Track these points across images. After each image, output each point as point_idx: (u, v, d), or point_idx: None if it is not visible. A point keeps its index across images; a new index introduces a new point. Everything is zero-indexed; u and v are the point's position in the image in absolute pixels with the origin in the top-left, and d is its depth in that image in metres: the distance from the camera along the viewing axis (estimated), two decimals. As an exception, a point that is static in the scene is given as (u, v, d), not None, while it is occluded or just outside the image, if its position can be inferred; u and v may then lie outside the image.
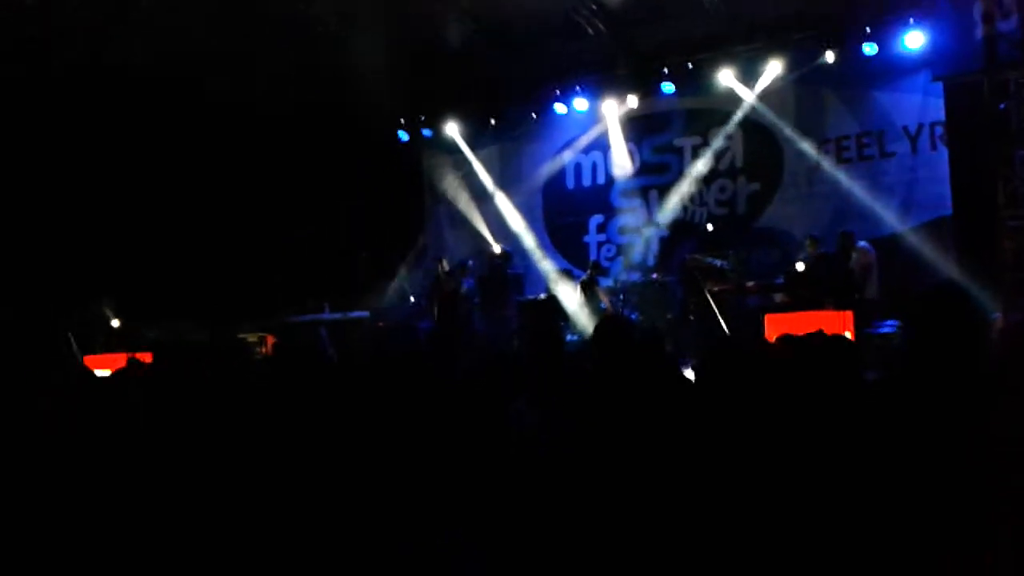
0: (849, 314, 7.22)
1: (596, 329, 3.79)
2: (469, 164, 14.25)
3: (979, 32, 9.55)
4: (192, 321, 11.04)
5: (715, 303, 9.06)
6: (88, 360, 8.00)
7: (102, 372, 4.60)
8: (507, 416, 3.42)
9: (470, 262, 12.76)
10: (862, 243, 10.19)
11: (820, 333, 2.98)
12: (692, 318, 10.08)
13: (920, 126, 11.10)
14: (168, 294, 11.05)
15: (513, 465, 3.02)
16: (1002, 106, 9.19)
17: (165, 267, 11.37)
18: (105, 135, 11.00)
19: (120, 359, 7.49)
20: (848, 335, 6.87)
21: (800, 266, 9.55)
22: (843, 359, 2.91)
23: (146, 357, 4.64)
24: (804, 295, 8.32)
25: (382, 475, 3.06)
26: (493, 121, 13.80)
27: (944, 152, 10.69)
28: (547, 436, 3.29)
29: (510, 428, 3.35)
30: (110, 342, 9.94)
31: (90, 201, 10.90)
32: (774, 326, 7.27)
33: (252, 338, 11.61)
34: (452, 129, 14.08)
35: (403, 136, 14.45)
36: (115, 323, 10.63)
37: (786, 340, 3.18)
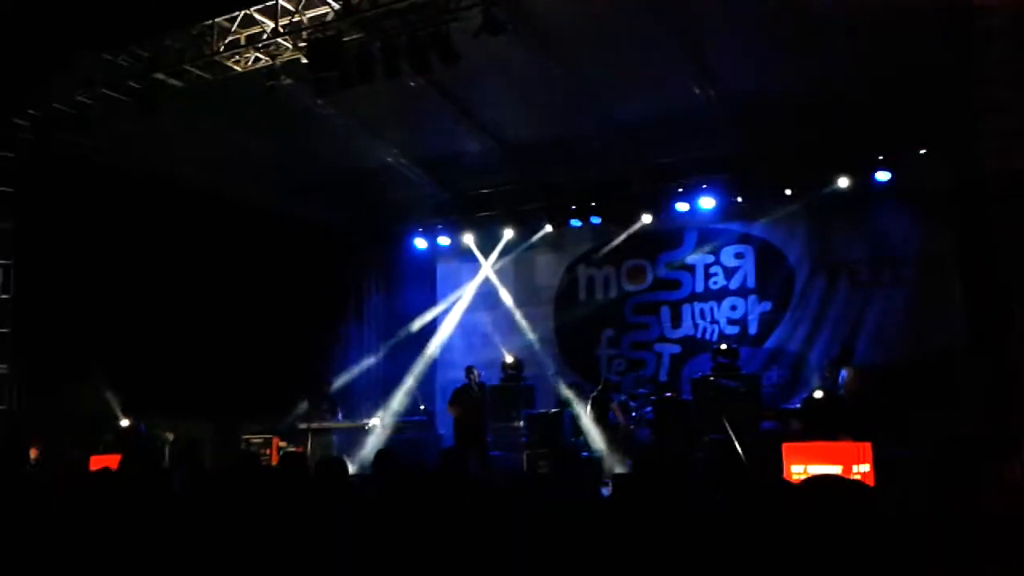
0: (868, 445, 7.11)
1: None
2: (483, 273, 14.36)
3: (992, 165, 9.74)
4: (198, 419, 11.00)
5: (730, 426, 8.95)
6: (95, 460, 7.92)
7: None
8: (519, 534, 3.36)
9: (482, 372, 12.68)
10: (857, 365, 10.18)
11: (848, 482, 2.94)
12: (706, 439, 9.94)
13: (933, 252, 11.17)
14: (177, 393, 11.00)
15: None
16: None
17: (175, 366, 11.33)
18: (120, 235, 11.15)
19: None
20: (867, 467, 6.76)
21: (819, 393, 9.49)
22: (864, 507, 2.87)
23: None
24: (821, 424, 8.22)
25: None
26: (509, 232, 13.95)
27: (956, 279, 10.75)
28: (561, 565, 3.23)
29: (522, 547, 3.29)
30: (118, 440, 9.85)
31: (102, 298, 10.96)
32: (792, 455, 7.16)
33: (257, 439, 11.52)
34: (468, 238, 14.24)
35: (420, 243, 14.60)
36: (124, 422, 10.55)
37: (813, 482, 3.14)
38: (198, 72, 9.68)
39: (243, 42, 9.35)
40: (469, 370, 12.09)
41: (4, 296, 10.35)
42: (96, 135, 10.79)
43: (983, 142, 10.11)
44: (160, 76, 9.63)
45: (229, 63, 9.54)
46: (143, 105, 9.74)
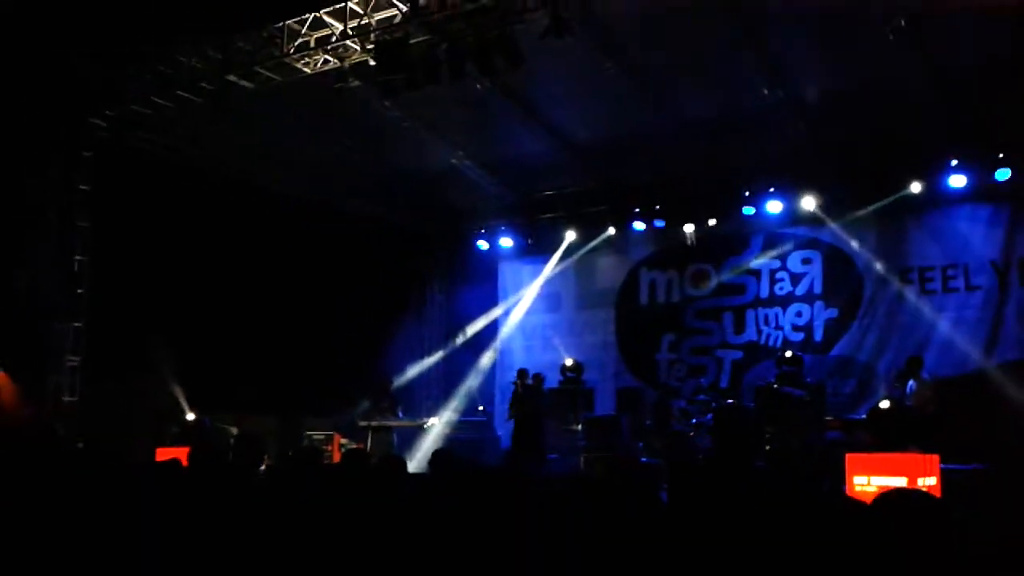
0: (935, 458, 6.91)
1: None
2: (545, 275, 14.36)
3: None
4: (263, 414, 11.20)
5: (794, 435, 8.81)
6: (161, 452, 8.12)
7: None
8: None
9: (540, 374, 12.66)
10: (927, 376, 9.90)
11: (918, 495, 2.85)
12: (768, 448, 9.78)
13: (1009, 261, 10.85)
14: (243, 388, 11.23)
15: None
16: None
17: (242, 362, 11.57)
18: (190, 233, 11.43)
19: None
20: (934, 480, 6.58)
21: (885, 404, 9.27)
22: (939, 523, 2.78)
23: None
24: (888, 435, 8.01)
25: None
26: (572, 234, 13.92)
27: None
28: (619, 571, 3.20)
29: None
30: (184, 434, 10.07)
31: (174, 294, 11.24)
32: (856, 466, 7.00)
33: (319, 435, 11.68)
34: (531, 240, 14.25)
35: (483, 244, 14.67)
36: (190, 416, 10.80)
37: (885, 500, 3.06)
38: (268, 74, 9.87)
39: (312, 44, 9.52)
40: (521, 373, 12.08)
41: (79, 291, 10.66)
42: (171, 135, 11.10)
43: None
44: (232, 78, 9.84)
45: (299, 65, 9.71)
46: (216, 106, 9.98)
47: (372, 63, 9.18)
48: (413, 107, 10.77)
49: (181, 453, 7.30)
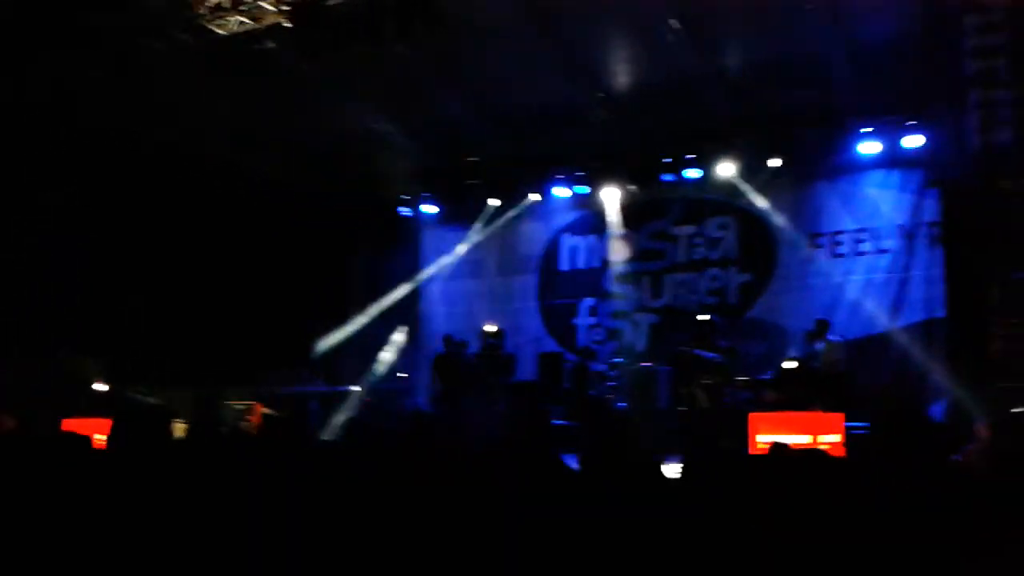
0: (840, 416, 7.15)
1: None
2: (468, 242, 14.36)
3: (975, 140, 9.75)
4: (180, 385, 11.00)
5: (705, 397, 9.03)
6: (68, 423, 7.92)
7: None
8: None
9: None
10: (835, 337, 10.26)
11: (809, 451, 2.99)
12: (680, 409, 10.03)
13: (916, 225, 11.22)
14: (159, 357, 11.00)
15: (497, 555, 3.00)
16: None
17: (158, 330, 11.34)
18: (99, 201, 11.09)
19: (100, 423, 7.42)
20: (837, 438, 6.82)
21: (791, 364, 9.56)
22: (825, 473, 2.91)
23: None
24: (794, 394, 8.27)
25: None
26: (494, 200, 13.93)
27: (939, 252, 10.82)
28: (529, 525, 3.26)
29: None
30: (92, 405, 9.83)
31: (85, 262, 10.92)
32: (759, 425, 7.18)
33: (239, 405, 11.52)
34: (453, 207, 14.23)
35: (405, 211, 14.58)
36: (99, 386, 10.54)
37: (776, 449, 3.19)
38: (181, 35, 9.56)
39: (227, 5, 9.25)
40: (446, 339, 12.08)
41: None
42: (80, 98, 10.69)
43: (970, 114, 10.12)
44: (142, 40, 9.52)
45: (212, 26, 9.44)
46: (126, 68, 9.65)
47: (288, 25, 8.99)
48: (332, 71, 10.60)
49: (88, 425, 7.16)
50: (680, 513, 3.06)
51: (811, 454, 3.17)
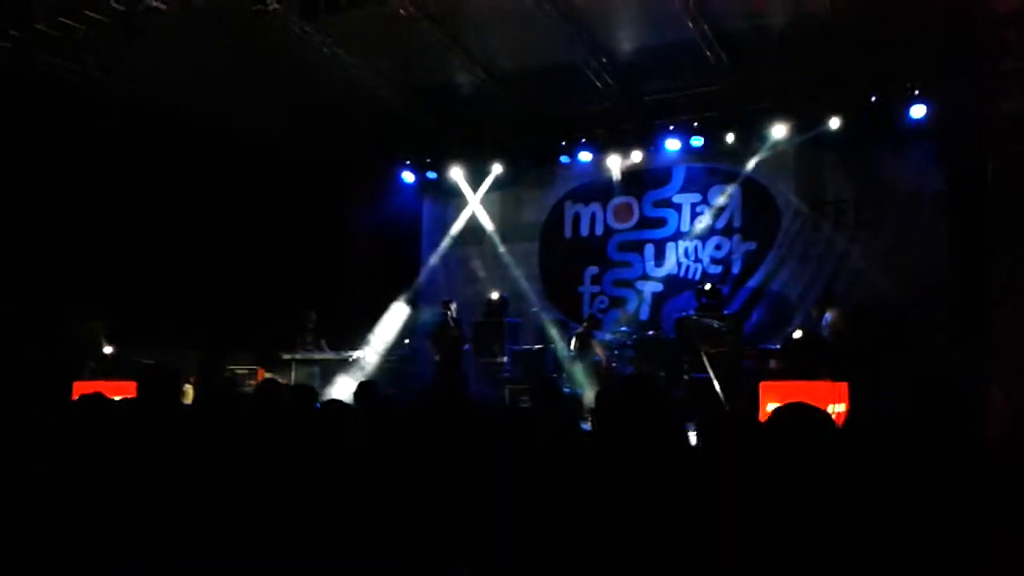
0: (844, 385, 7.18)
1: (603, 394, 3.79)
2: (470, 208, 14.31)
3: (984, 108, 9.67)
4: (185, 350, 11.00)
5: (711, 365, 9.06)
6: (78, 386, 7.94)
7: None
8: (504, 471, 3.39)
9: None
10: (840, 308, 10.26)
11: (799, 406, 3.00)
12: (687, 377, 10.06)
13: (921, 195, 11.16)
14: (163, 321, 10.98)
15: (509, 520, 3.01)
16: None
17: (162, 294, 11.31)
18: (103, 161, 11.01)
19: (111, 386, 7.44)
20: (843, 407, 6.85)
21: (798, 333, 9.57)
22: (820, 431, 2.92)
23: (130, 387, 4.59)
24: (800, 364, 8.30)
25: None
26: (498, 167, 13.87)
27: (944, 223, 10.78)
28: (541, 497, 3.27)
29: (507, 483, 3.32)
30: (102, 368, 9.86)
31: (87, 225, 10.87)
32: (769, 394, 7.24)
33: (242, 371, 11.56)
34: (456, 173, 14.15)
35: (407, 177, 14.52)
36: (108, 349, 10.55)
37: (777, 412, 3.20)
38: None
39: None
40: (445, 304, 12.04)
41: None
42: (81, 59, 10.56)
43: (978, 83, 10.04)
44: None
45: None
46: (128, 28, 9.52)
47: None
48: (335, 33, 10.49)
49: (98, 387, 7.16)
50: (700, 478, 3.07)
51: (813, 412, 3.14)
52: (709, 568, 2.54)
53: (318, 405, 4.31)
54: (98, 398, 3.78)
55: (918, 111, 10.87)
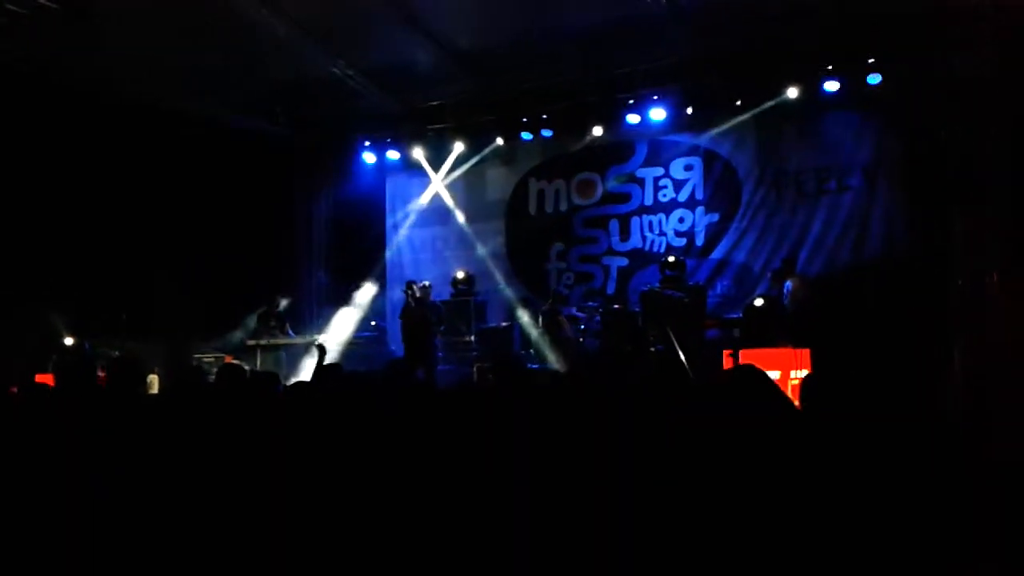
0: (806, 352, 7.28)
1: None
2: (433, 187, 14.26)
3: (937, 78, 9.81)
4: (150, 339, 10.90)
5: (675, 336, 9.09)
6: (39, 377, 7.84)
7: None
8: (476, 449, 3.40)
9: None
10: (801, 275, 10.39)
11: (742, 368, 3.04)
12: (652, 350, 10.12)
13: (878, 163, 11.28)
14: (125, 312, 10.87)
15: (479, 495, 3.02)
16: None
17: (123, 284, 11.18)
18: (58, 152, 10.82)
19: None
20: (805, 372, 6.94)
21: (759, 301, 9.67)
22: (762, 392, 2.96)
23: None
24: (761, 331, 8.39)
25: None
26: (460, 145, 13.81)
27: (901, 191, 10.93)
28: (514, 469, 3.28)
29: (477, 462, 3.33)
30: (63, 360, 9.73)
31: (44, 216, 10.70)
32: (732, 363, 7.31)
33: (209, 358, 11.49)
34: (418, 152, 14.08)
35: (368, 158, 14.42)
36: (68, 340, 10.42)
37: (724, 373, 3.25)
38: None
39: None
40: (408, 285, 11.99)
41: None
42: (27, 45, 10.34)
43: (934, 50, 10.15)
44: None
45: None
46: (70, 12, 9.33)
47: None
48: (289, 13, 10.36)
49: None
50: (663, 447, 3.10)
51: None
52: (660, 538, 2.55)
53: (280, 389, 4.31)
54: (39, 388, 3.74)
55: (873, 79, 10.96)
